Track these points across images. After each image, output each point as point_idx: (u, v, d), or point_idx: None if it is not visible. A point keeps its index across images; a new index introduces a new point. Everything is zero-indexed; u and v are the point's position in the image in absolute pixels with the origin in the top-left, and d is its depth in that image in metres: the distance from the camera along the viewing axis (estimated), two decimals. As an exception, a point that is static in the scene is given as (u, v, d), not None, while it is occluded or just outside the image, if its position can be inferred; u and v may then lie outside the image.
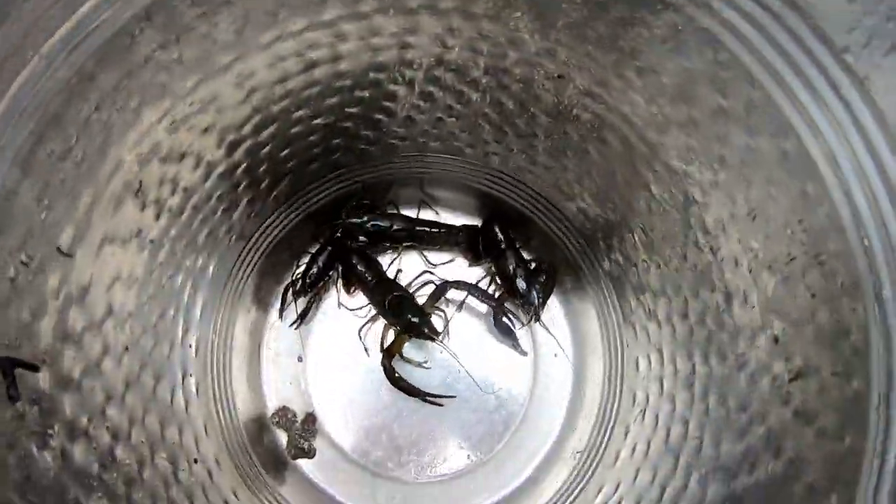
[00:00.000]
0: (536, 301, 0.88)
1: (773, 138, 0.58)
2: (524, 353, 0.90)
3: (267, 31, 0.57)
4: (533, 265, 0.92)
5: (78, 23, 0.47)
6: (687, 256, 0.71)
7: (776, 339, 0.61)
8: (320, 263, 0.88)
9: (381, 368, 0.86)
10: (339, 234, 0.91)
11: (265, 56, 0.59)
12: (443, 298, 0.90)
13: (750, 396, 0.62)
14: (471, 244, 0.93)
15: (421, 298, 0.90)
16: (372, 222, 0.88)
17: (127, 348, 0.59)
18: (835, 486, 0.53)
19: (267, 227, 0.80)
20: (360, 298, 0.92)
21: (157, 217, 0.60)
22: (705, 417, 0.66)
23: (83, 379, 0.55)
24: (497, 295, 0.90)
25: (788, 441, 0.58)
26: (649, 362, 0.77)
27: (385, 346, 0.88)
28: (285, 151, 0.71)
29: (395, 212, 0.93)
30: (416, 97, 0.73)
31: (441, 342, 0.88)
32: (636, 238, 0.77)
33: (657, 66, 0.61)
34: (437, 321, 0.89)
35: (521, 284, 0.87)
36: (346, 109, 0.71)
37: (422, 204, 0.94)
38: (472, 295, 0.90)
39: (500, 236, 0.92)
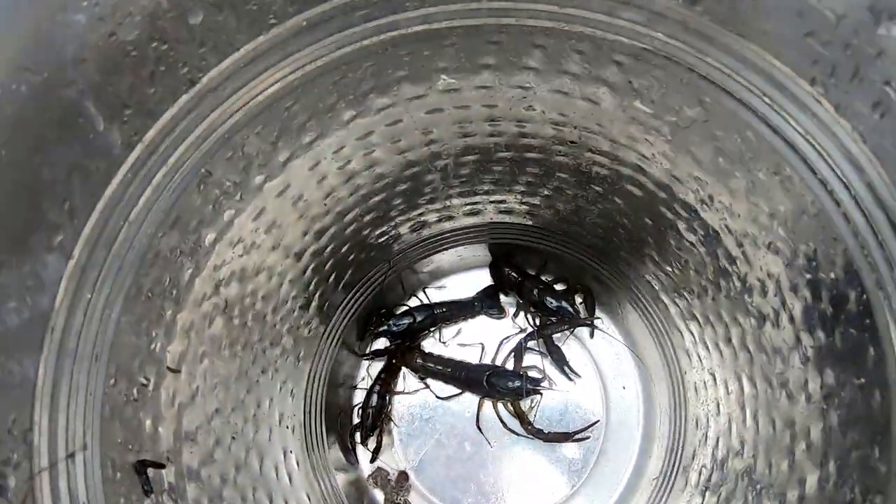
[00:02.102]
0: (571, 309, 0.95)
1: (770, 171, 0.63)
2: (577, 376, 0.97)
3: (307, 158, 0.68)
4: (562, 287, 0.99)
5: (154, 190, 0.59)
6: (720, 285, 0.75)
7: (806, 358, 0.65)
8: (373, 403, 0.98)
9: (533, 438, 0.95)
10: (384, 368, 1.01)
11: (310, 178, 0.71)
12: (527, 352, 1.00)
13: (791, 414, 0.66)
14: (491, 302, 1.02)
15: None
16: (395, 324, 0.98)
17: (234, 437, 0.71)
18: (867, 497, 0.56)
19: (339, 313, 0.91)
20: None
21: (244, 325, 0.72)
22: (756, 436, 0.70)
23: (201, 468, 0.66)
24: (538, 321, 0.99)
25: (829, 455, 0.61)
26: (705, 386, 0.81)
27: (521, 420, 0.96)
28: (344, 248, 0.82)
29: (412, 306, 1.03)
30: (451, 179, 0.83)
31: (552, 388, 0.97)
32: (674, 271, 0.82)
33: (657, 127, 0.68)
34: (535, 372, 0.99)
35: (551, 303, 0.95)
36: (391, 202, 0.81)
37: (424, 288, 1.05)
38: (549, 334, 0.98)
39: (512, 272, 0.99)
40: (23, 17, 0.47)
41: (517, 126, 0.74)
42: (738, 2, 0.56)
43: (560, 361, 0.98)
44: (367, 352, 1.01)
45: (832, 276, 0.61)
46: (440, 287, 1.03)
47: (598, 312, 0.99)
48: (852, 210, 0.58)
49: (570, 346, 0.98)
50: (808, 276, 0.63)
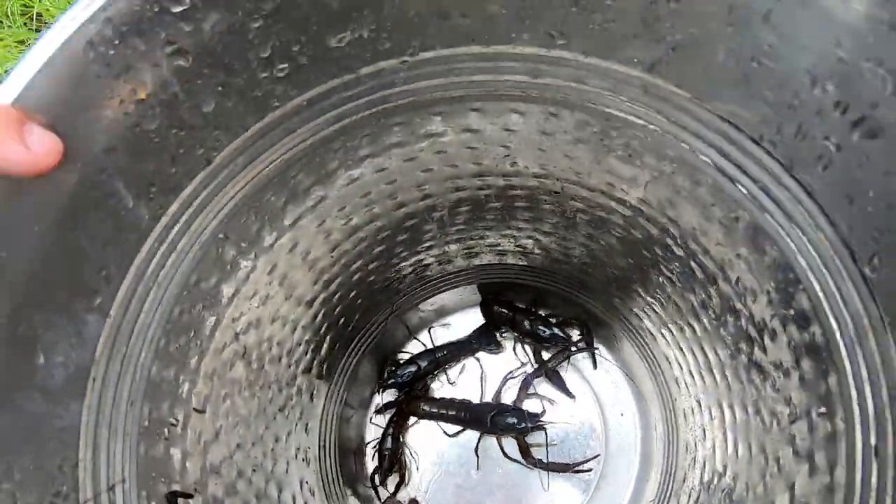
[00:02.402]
0: (563, 335, 1.01)
1: (732, 217, 0.68)
2: (572, 396, 1.02)
3: (313, 218, 0.76)
4: (556, 320, 1.05)
5: (178, 255, 0.67)
6: (700, 318, 0.81)
7: (776, 388, 0.70)
8: (388, 446, 1.03)
9: (539, 470, 1.01)
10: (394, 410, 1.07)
11: (317, 234, 0.78)
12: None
13: (764, 439, 0.71)
14: (488, 339, 1.08)
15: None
16: (401, 374, 1.04)
17: (254, 470, 0.78)
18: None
19: (349, 353, 0.99)
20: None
21: (262, 368, 0.79)
22: (736, 460, 0.75)
23: (225, 498, 0.74)
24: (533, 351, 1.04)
25: (796, 479, 0.66)
26: (692, 413, 0.86)
27: (523, 452, 1.02)
28: (352, 293, 0.89)
29: (414, 354, 1.08)
30: (447, 228, 0.90)
31: (553, 422, 1.02)
32: (659, 305, 0.88)
33: (630, 177, 0.74)
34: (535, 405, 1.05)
35: (544, 332, 1.01)
36: (393, 251, 0.88)
37: (430, 328, 1.11)
38: (552, 367, 1.04)
39: (503, 309, 1.05)
40: (57, 116, 0.55)
41: (504, 180, 0.81)
42: (691, 68, 0.62)
43: (558, 382, 1.03)
44: (379, 406, 1.08)
45: (792, 312, 0.66)
46: (444, 325, 1.09)
47: (594, 344, 1.04)
48: (807, 252, 0.63)
49: (569, 377, 1.04)
50: (772, 312, 0.69)
